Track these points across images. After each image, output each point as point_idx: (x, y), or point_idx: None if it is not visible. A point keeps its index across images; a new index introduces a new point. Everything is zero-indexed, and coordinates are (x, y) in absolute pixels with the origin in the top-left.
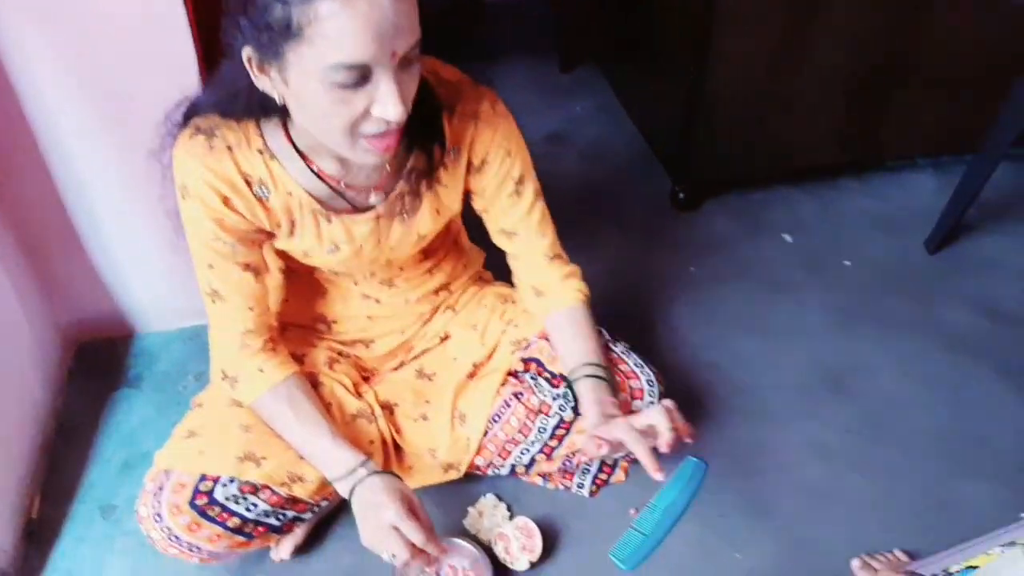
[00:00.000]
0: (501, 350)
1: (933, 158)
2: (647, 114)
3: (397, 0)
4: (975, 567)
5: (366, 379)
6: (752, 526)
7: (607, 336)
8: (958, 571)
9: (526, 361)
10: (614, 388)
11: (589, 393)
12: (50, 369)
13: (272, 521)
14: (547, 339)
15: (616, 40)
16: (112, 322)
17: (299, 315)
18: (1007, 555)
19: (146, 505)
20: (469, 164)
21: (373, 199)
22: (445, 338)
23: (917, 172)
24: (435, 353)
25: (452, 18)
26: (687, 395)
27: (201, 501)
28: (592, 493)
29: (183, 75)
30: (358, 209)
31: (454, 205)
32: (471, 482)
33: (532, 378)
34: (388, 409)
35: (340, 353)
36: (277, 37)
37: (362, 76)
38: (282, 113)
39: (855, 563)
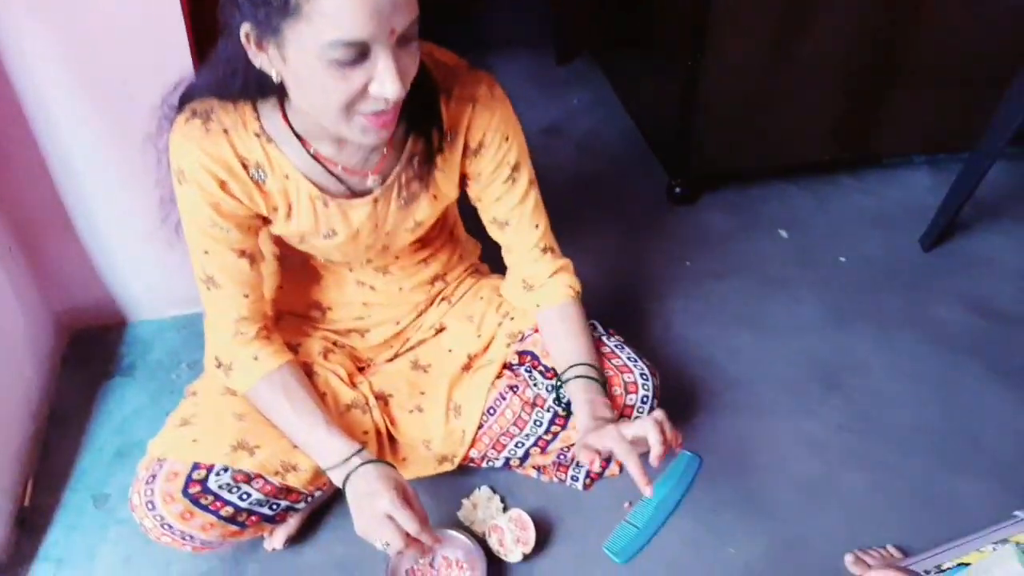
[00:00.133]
0: (497, 342)
1: (929, 156)
2: (644, 108)
3: None
4: (967, 564)
5: (361, 370)
6: (746, 521)
7: (600, 330)
8: (950, 568)
9: (521, 354)
10: (605, 387)
11: (580, 394)
12: (43, 357)
13: (265, 510)
14: None
15: (613, 33)
16: (105, 310)
17: (294, 302)
18: (999, 552)
19: (139, 493)
20: (465, 147)
21: (370, 183)
22: (440, 330)
23: (913, 169)
24: (430, 345)
25: None
26: (681, 389)
27: (194, 490)
28: (586, 486)
29: (176, 61)
30: (355, 194)
31: (451, 191)
32: (465, 474)
33: (527, 371)
34: (383, 400)
35: (335, 343)
36: (275, 14)
37: (360, 53)
38: (279, 94)
39: (848, 558)
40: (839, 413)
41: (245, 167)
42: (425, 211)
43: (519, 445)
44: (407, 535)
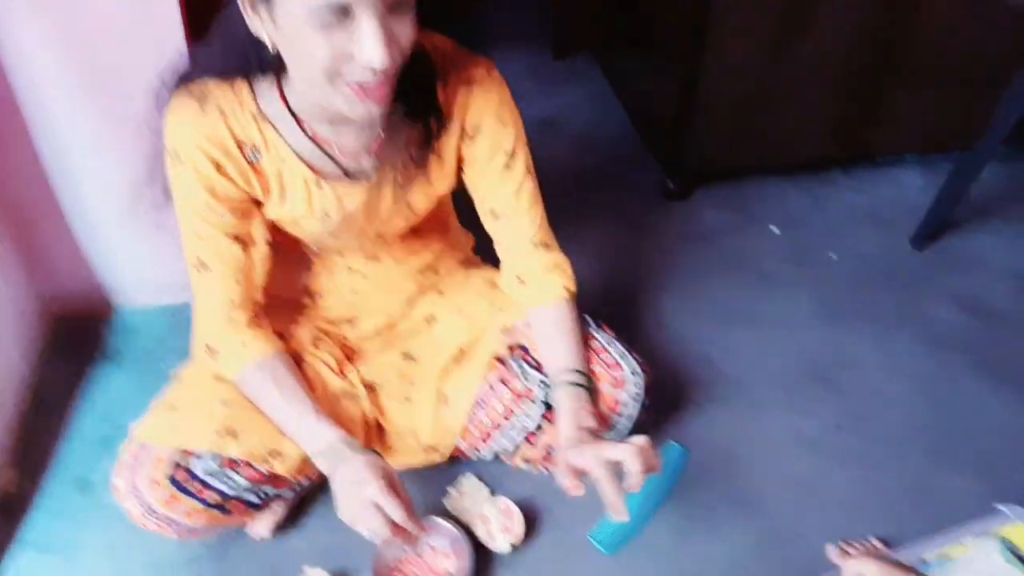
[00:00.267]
0: (488, 335)
1: (921, 155)
2: (640, 104)
3: None
4: (950, 556)
5: (350, 359)
6: (732, 514)
7: (591, 323)
8: (933, 560)
9: (511, 346)
10: (594, 396)
11: (566, 402)
12: (29, 342)
13: (251, 498)
14: None
15: (612, 31)
16: (93, 296)
17: (284, 287)
18: (981, 545)
19: (122, 477)
20: (462, 131)
21: (364, 165)
22: (432, 321)
23: (906, 169)
24: (421, 335)
25: None
26: (673, 384)
27: (180, 475)
28: None
29: (169, 45)
30: (351, 177)
31: (447, 177)
32: (453, 464)
33: (517, 363)
34: (372, 390)
35: (325, 332)
36: None
37: (343, 15)
38: (277, 72)
39: (832, 550)
40: (829, 409)
41: (241, 148)
42: (420, 197)
43: (508, 438)
44: (393, 523)
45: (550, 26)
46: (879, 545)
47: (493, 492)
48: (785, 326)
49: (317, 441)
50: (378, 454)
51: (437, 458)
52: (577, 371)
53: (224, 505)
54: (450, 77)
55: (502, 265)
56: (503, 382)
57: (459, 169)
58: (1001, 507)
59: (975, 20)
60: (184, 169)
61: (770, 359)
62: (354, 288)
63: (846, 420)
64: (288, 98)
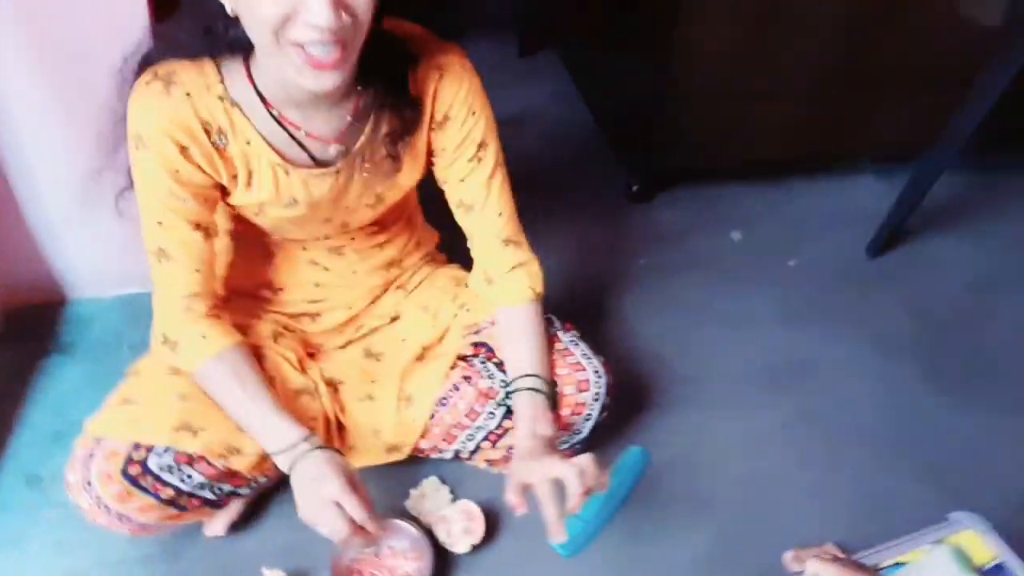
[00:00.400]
0: (452, 333)
1: (879, 165)
2: (604, 105)
3: None
4: (904, 563)
5: (312, 356)
6: (691, 516)
7: (556, 324)
8: (888, 566)
9: (476, 345)
10: (554, 399)
11: (525, 408)
12: None
13: (207, 494)
14: None
15: (578, 30)
16: (45, 286)
17: (245, 280)
18: (935, 553)
19: (75, 472)
20: (431, 119)
21: (332, 151)
22: (395, 318)
23: (863, 177)
24: (384, 333)
25: None
26: (633, 384)
27: (134, 470)
28: None
29: (130, 29)
30: (318, 163)
31: (417, 167)
32: (414, 464)
33: (482, 362)
34: (333, 387)
35: (285, 327)
36: None
37: None
38: (245, 53)
39: (787, 555)
40: (785, 411)
41: (207, 132)
42: (388, 187)
43: (470, 438)
44: (353, 522)
45: (515, 23)
46: (836, 552)
47: (455, 494)
48: (742, 328)
49: (277, 438)
50: (339, 452)
51: (398, 456)
52: (537, 376)
53: (178, 502)
54: (420, 64)
55: (474, 262)
56: (467, 381)
57: (429, 160)
58: (953, 516)
59: (938, 32)
60: (148, 153)
61: (727, 360)
62: (316, 282)
63: (802, 422)
64: (256, 81)
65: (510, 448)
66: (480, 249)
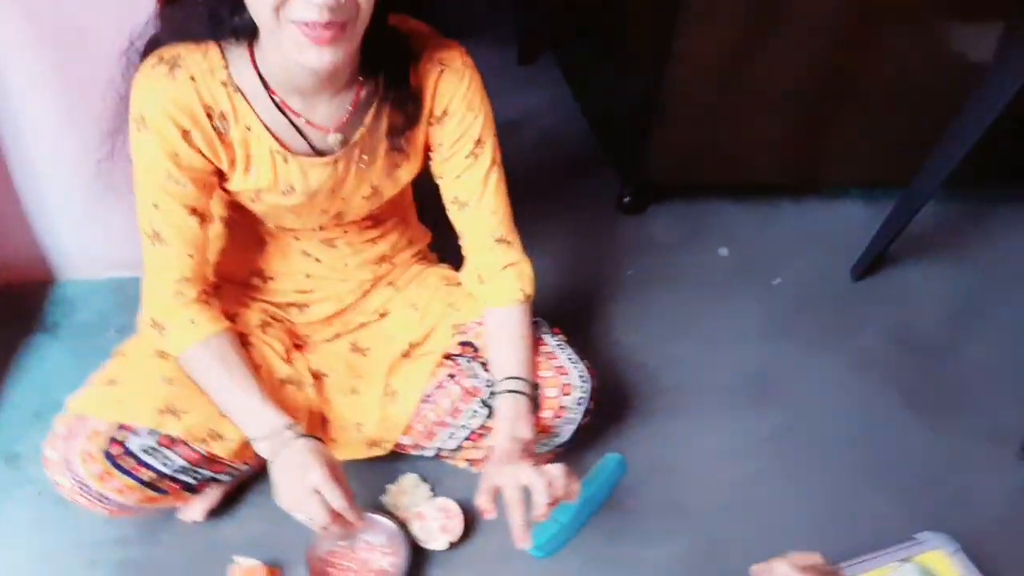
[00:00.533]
0: (439, 332)
1: (865, 189)
2: (600, 115)
3: None
4: None
5: (299, 347)
6: (667, 523)
7: (545, 326)
8: None
9: (463, 344)
10: (537, 404)
11: (507, 410)
12: None
13: (187, 479)
14: None
15: (576, 39)
16: (32, 266)
17: (236, 267)
18: (902, 571)
19: (55, 449)
20: (431, 114)
21: (331, 140)
22: (384, 314)
23: (850, 201)
24: (372, 328)
25: None
26: (615, 393)
27: (116, 451)
28: None
29: (132, 12)
30: (317, 152)
31: (414, 161)
32: (394, 460)
33: (467, 361)
34: (318, 379)
35: (273, 317)
36: None
37: None
38: (250, 38)
39: (755, 570)
40: (763, 425)
41: (209, 116)
42: (386, 180)
43: (452, 436)
44: (333, 511)
45: (515, 30)
46: (818, 558)
47: (434, 491)
48: (726, 341)
49: (261, 425)
50: (321, 441)
51: (379, 452)
52: (521, 379)
53: (158, 484)
54: (422, 59)
55: (465, 261)
56: (452, 379)
57: (426, 155)
58: (921, 535)
59: (924, 59)
60: (149, 135)
61: (710, 372)
62: (307, 272)
63: (778, 437)
64: (260, 67)
65: (492, 449)
66: (472, 247)
